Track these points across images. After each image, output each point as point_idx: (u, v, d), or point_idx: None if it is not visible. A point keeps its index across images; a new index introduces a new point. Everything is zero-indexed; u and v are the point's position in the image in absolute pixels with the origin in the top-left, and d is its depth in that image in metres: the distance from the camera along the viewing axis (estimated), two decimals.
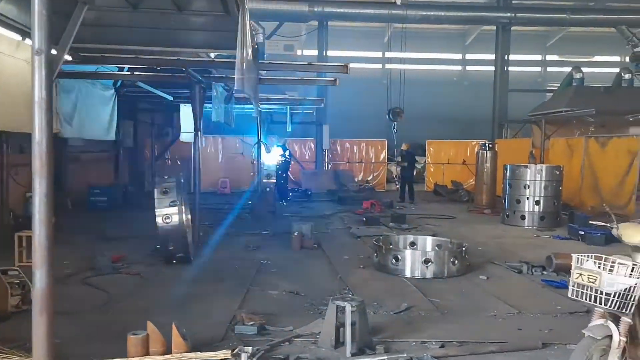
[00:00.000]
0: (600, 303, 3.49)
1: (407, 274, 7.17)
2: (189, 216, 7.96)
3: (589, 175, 14.16)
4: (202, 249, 8.61)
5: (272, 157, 14.89)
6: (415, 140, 22.03)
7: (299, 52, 23.55)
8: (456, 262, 7.19)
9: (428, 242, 8.20)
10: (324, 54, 19.32)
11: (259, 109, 9.27)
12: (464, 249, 7.43)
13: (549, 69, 33.40)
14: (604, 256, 3.74)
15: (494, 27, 20.73)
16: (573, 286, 3.65)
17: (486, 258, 8.48)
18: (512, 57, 33.59)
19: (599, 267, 3.63)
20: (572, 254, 3.87)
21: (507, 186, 12.13)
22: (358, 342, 4.54)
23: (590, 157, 14.16)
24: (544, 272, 7.60)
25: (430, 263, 7.08)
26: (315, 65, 9.43)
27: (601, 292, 3.48)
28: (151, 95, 12.33)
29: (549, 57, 33.44)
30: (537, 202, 11.69)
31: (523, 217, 11.84)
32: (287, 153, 15.36)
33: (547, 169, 11.82)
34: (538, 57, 34.00)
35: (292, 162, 16.83)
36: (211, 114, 11.03)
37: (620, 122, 17.15)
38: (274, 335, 4.87)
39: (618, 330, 3.54)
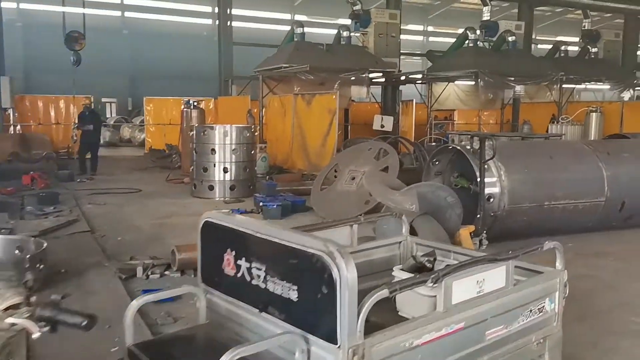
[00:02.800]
0: None
1: None
2: None
3: (298, 135, 12.98)
4: None
5: None
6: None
7: None
8: None
9: None
10: None
11: None
12: (28, 257, 4.87)
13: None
14: None
15: None
16: None
17: (110, 254, 6.16)
18: (262, 14, 32.49)
19: None
20: None
21: (194, 152, 10.02)
22: None
23: (298, 116, 12.96)
24: (167, 273, 5.56)
25: None
26: None
27: None
28: None
29: (297, 17, 32.86)
30: (226, 169, 9.83)
31: (212, 188, 9.89)
32: None
33: (236, 130, 9.96)
34: (288, 16, 33.27)
35: None
36: None
37: (340, 80, 16.48)
38: None
39: None
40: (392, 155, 8.48)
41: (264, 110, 14.81)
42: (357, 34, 17.82)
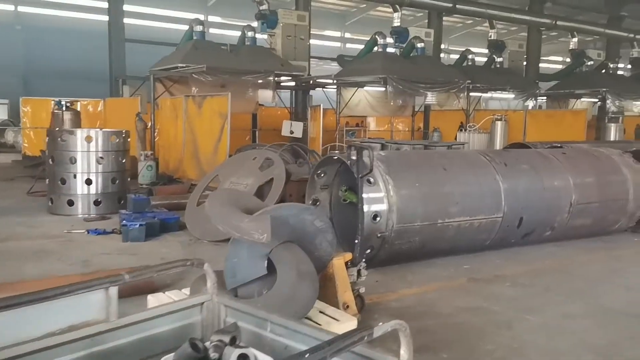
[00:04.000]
0: None
1: None
2: None
3: (190, 141, 11.60)
4: None
5: None
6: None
7: None
8: None
9: None
10: None
11: None
12: None
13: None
14: None
15: None
16: None
17: None
18: (173, 14, 30.57)
19: None
20: None
21: (50, 160, 8.40)
22: None
23: (190, 120, 11.59)
24: None
25: None
26: None
27: None
28: None
29: (210, 18, 31.29)
30: (89, 181, 8.30)
31: (72, 203, 8.31)
32: None
33: (102, 135, 8.44)
34: (201, 17, 31.60)
35: None
36: None
37: (242, 82, 15.23)
38: None
39: None
40: (278, 165, 7.38)
41: (158, 113, 13.27)
42: (264, 36, 16.75)
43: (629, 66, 24.43)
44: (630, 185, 7.45)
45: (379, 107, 18.04)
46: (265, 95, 16.08)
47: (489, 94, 20.19)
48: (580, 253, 6.85)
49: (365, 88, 17.29)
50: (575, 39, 21.61)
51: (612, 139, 17.26)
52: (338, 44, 34.02)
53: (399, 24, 18.02)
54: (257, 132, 17.96)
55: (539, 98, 20.70)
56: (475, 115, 18.49)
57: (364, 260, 4.73)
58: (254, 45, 15.78)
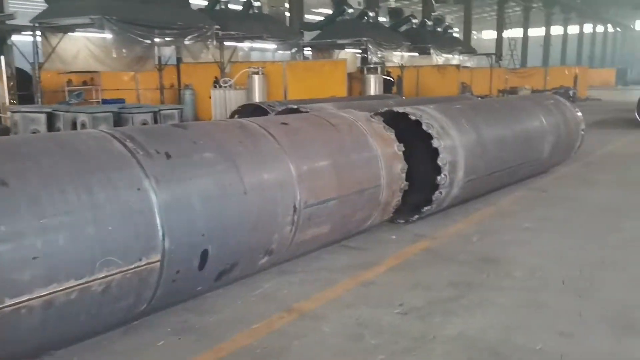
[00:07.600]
0: None
1: None
2: None
3: None
4: None
5: None
6: None
7: None
8: None
9: None
10: None
11: None
12: None
13: None
14: None
15: None
16: None
17: None
18: None
19: None
20: None
21: None
22: None
23: None
24: None
25: None
26: None
27: None
28: None
29: None
30: None
31: None
32: None
33: None
34: None
35: None
36: None
37: None
38: None
39: None
40: None
41: None
42: None
43: (387, 19, 23.90)
44: (381, 165, 4.93)
45: (108, 59, 13.50)
46: None
47: (246, 43, 17.13)
48: (312, 287, 4.08)
49: (80, 34, 12.58)
50: None
51: (372, 92, 15.83)
52: None
53: None
54: None
55: (304, 49, 18.44)
56: (232, 69, 15.30)
57: None
58: None
